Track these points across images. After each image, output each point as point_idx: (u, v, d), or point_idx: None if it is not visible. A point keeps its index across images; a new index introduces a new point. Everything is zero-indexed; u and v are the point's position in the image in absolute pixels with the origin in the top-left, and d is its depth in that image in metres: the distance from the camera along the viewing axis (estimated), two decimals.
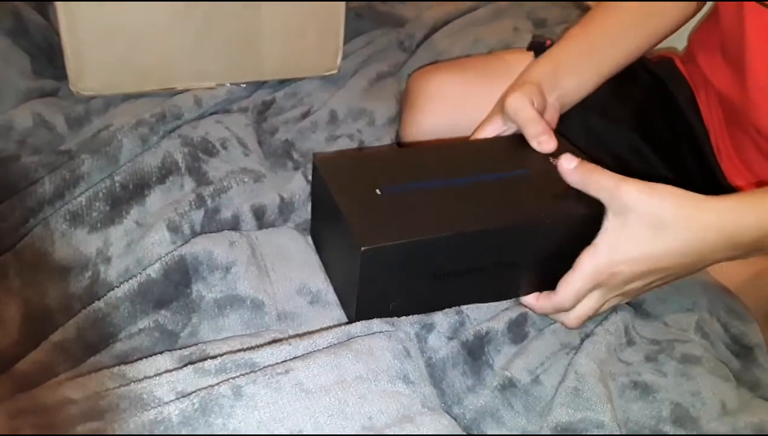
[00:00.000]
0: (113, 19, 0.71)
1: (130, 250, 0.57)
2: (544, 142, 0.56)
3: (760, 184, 0.71)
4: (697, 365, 0.55)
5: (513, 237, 0.52)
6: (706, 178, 0.75)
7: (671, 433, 0.50)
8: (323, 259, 0.58)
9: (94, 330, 0.50)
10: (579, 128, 0.70)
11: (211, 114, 0.75)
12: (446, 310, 0.53)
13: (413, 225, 0.48)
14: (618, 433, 0.47)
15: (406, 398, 0.43)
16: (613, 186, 0.49)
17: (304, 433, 0.40)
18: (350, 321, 0.51)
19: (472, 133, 0.65)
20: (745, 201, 0.49)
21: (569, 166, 0.52)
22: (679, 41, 0.82)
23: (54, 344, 0.48)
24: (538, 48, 0.78)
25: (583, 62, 0.68)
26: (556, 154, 0.56)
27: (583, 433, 0.47)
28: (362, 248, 0.45)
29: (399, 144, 0.80)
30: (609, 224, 0.50)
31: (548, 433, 0.48)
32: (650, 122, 0.76)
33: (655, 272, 0.50)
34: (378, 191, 0.51)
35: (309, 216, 0.66)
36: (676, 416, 0.51)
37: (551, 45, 0.80)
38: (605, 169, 0.51)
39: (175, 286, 0.52)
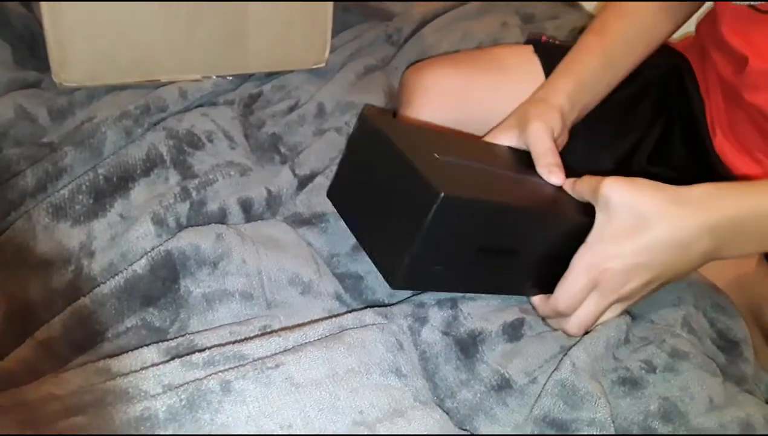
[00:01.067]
0: (97, 10, 0.69)
1: (114, 243, 0.56)
2: (553, 173, 0.57)
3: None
4: (685, 360, 0.55)
5: (553, 227, 0.52)
6: (693, 151, 0.76)
7: (660, 428, 0.50)
8: (351, 218, 0.55)
9: (80, 328, 0.49)
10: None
11: (197, 107, 0.74)
12: (441, 303, 0.53)
13: (482, 188, 0.48)
14: (612, 429, 0.47)
15: (398, 391, 0.43)
16: (595, 182, 0.51)
17: (294, 428, 0.39)
18: (390, 284, 0.48)
19: (484, 137, 0.65)
20: (722, 188, 0.50)
21: (557, 183, 0.56)
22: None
23: (39, 342, 0.47)
24: (534, 43, 0.78)
25: (601, 75, 0.68)
26: None
27: (576, 432, 0.47)
28: (442, 194, 0.43)
29: None
30: (597, 221, 0.51)
31: (540, 429, 0.48)
32: (646, 94, 0.76)
33: (647, 268, 0.50)
34: (437, 155, 0.50)
35: (297, 209, 0.65)
36: (665, 411, 0.51)
37: (547, 41, 0.79)
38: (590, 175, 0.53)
39: (162, 282, 0.51)
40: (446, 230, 0.46)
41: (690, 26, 0.78)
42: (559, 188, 0.57)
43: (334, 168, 0.71)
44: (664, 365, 0.55)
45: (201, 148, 0.68)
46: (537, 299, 0.56)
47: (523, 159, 0.60)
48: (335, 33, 0.85)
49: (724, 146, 0.73)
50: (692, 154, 0.76)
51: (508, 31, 0.97)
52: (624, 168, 0.76)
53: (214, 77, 0.77)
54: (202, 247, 0.53)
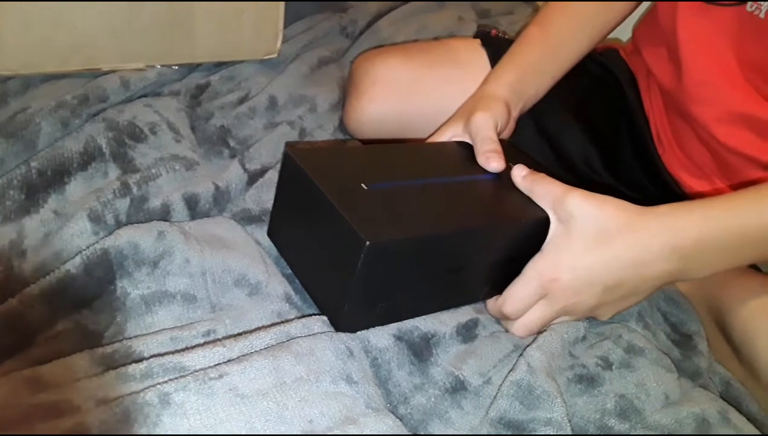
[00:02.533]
0: None
1: (48, 242, 0.53)
2: (492, 159, 0.56)
3: (702, 176, 0.72)
4: (640, 355, 0.55)
5: (503, 233, 0.51)
6: (646, 168, 0.76)
7: (616, 426, 0.50)
8: (291, 260, 0.54)
9: (7, 332, 0.46)
10: (526, 117, 0.70)
11: (140, 97, 0.70)
12: None
13: (411, 221, 0.46)
14: (568, 429, 0.47)
15: (349, 398, 0.41)
16: (560, 193, 0.50)
17: None
18: (336, 330, 0.47)
19: (431, 135, 0.64)
20: (685, 208, 0.50)
21: (520, 174, 0.54)
22: (623, 33, 0.82)
23: None
24: (484, 37, 0.77)
25: (544, 66, 0.68)
26: (512, 163, 0.57)
27: (532, 432, 0.46)
28: (367, 243, 0.42)
29: (351, 136, 0.77)
30: (554, 230, 0.51)
31: (496, 431, 0.46)
32: (592, 109, 0.77)
33: (600, 284, 0.50)
34: (364, 186, 0.49)
35: (246, 205, 0.62)
36: (621, 408, 0.51)
37: (497, 35, 0.79)
38: (553, 179, 0.52)
39: (97, 282, 0.48)
40: (381, 271, 0.45)
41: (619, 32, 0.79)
42: (504, 183, 0.55)
43: None
44: (620, 362, 0.54)
45: (143, 140, 0.64)
46: (489, 301, 0.55)
47: (469, 155, 0.59)
48: (288, 23, 0.82)
49: (673, 163, 0.74)
50: (645, 171, 0.76)
51: (464, 25, 0.96)
52: (571, 167, 0.76)
53: (159, 66, 0.73)
54: (141, 245, 0.50)
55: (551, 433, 0.46)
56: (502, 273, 0.53)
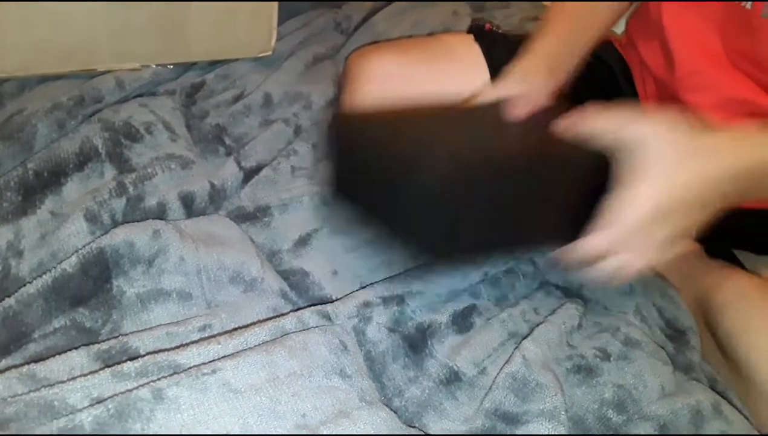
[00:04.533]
0: None
1: (45, 242, 0.53)
2: (520, 106, 0.56)
3: None
4: (637, 348, 0.55)
5: (557, 169, 0.51)
6: None
7: (614, 417, 0.50)
8: (365, 213, 0.54)
9: (4, 330, 0.46)
10: None
11: (135, 97, 0.71)
12: (386, 300, 0.51)
13: (477, 146, 0.49)
14: (564, 420, 0.47)
15: (342, 392, 0.41)
16: (624, 122, 0.49)
17: (232, 435, 0.37)
18: (434, 259, 0.48)
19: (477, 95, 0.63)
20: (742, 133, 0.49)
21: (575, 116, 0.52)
22: (618, 26, 0.82)
23: None
24: (477, 31, 0.77)
25: (576, 39, 0.67)
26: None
27: (527, 424, 0.46)
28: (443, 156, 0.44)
29: None
30: (633, 159, 0.48)
31: (491, 422, 0.47)
32: (587, 99, 0.76)
33: (701, 201, 0.48)
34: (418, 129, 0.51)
35: (242, 203, 0.62)
36: (619, 399, 0.51)
37: (491, 29, 0.79)
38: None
39: (93, 281, 0.49)
40: (458, 192, 0.46)
41: None
42: (547, 134, 0.54)
43: (282, 160, 0.69)
44: (618, 353, 0.54)
45: (139, 140, 0.64)
46: (585, 240, 0.51)
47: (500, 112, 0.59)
48: (282, 20, 0.82)
49: None
50: None
51: (459, 20, 0.96)
52: None
53: (154, 66, 0.74)
54: (137, 244, 0.50)
55: (545, 423, 0.47)
56: (567, 217, 0.52)
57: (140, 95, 0.71)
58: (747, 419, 0.53)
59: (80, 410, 0.36)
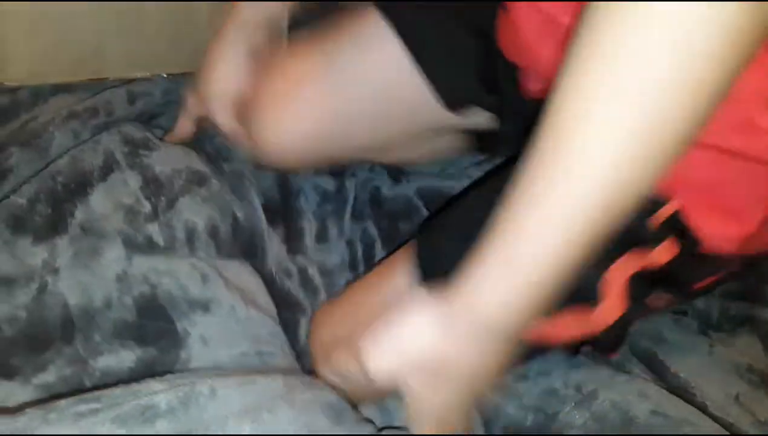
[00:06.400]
0: (41, 4, 0.66)
1: (79, 261, 0.55)
2: None
3: None
4: None
5: None
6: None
7: None
8: None
9: None
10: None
11: (147, 107, 0.72)
12: None
13: None
14: None
15: None
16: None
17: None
18: None
19: None
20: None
21: None
22: None
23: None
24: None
25: None
26: None
27: None
28: None
29: None
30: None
31: None
32: None
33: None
34: None
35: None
36: None
37: None
38: None
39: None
40: None
41: None
42: None
43: None
44: None
45: (156, 149, 0.66)
46: None
47: None
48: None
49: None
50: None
51: None
52: None
53: (165, 75, 0.75)
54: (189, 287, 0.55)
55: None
56: None
57: (152, 106, 0.73)
58: None
59: (156, 393, 0.40)
